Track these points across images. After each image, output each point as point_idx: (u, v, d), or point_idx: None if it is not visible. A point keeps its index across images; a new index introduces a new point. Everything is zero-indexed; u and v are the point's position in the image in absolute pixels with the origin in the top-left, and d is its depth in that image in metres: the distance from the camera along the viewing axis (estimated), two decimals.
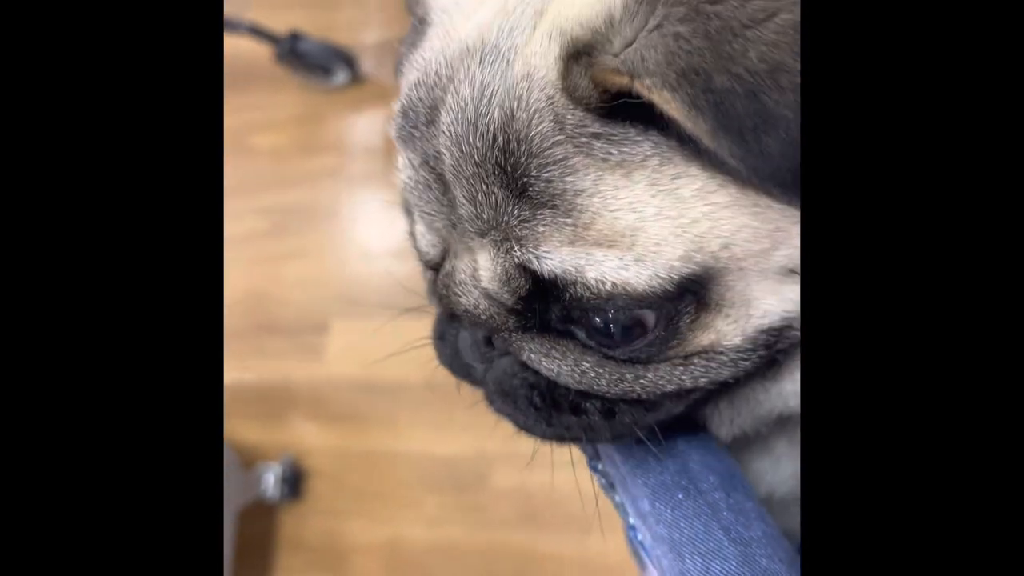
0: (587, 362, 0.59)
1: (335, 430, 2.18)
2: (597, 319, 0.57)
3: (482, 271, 0.58)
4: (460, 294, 0.60)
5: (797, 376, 0.61)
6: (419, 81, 0.59)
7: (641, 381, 0.59)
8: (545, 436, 0.64)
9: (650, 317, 0.56)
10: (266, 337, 2.31)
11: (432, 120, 0.57)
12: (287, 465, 2.14)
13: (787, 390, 0.63)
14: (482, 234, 0.56)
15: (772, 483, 0.71)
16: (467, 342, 0.65)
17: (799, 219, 0.51)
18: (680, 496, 0.62)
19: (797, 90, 0.44)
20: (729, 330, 0.57)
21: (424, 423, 2.09)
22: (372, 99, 2.53)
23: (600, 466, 0.70)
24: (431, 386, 1.96)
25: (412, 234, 0.65)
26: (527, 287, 0.56)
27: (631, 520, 0.66)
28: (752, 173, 0.47)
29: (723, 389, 0.62)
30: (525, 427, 0.64)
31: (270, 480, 2.10)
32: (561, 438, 0.65)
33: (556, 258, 0.54)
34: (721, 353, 0.58)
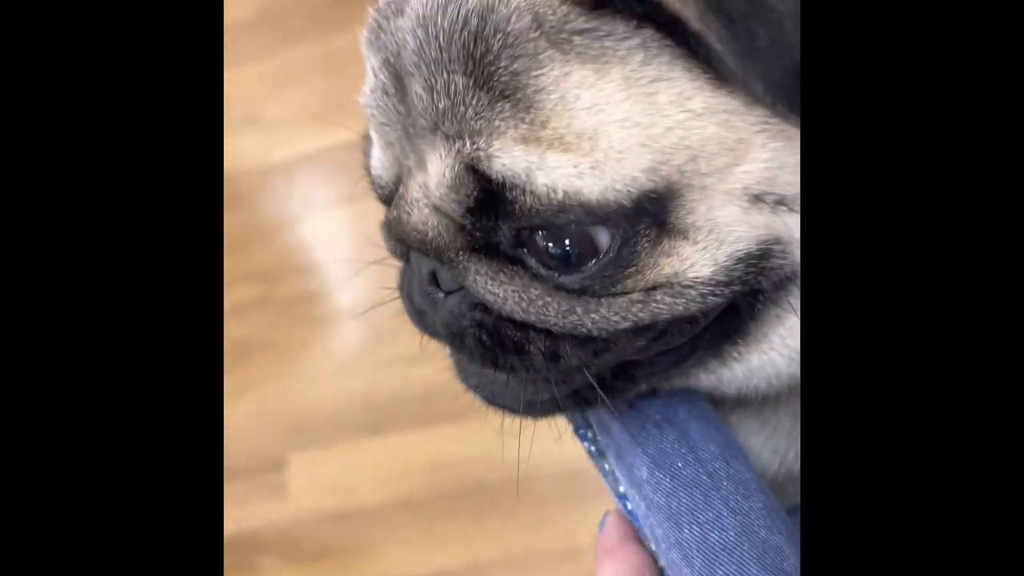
0: (535, 290, 0.57)
1: (312, 570, 2.06)
2: (546, 238, 0.55)
3: (431, 177, 0.57)
4: (409, 212, 0.59)
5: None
6: None
7: (592, 315, 0.57)
8: (507, 402, 0.63)
9: (603, 236, 0.54)
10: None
11: (400, 10, 0.57)
12: None
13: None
14: (433, 129, 0.55)
15: (768, 460, 0.72)
16: (416, 285, 0.63)
17: (763, 129, 0.52)
18: (679, 464, 0.62)
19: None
20: (698, 258, 0.55)
21: (405, 542, 2.01)
22: (292, 223, 2.49)
23: (589, 433, 0.70)
24: (407, 503, 1.88)
25: (368, 165, 0.64)
26: (476, 194, 0.55)
27: (621, 488, 0.67)
28: (737, 63, 0.47)
29: (728, 340, 0.61)
30: (487, 393, 0.64)
31: None
32: (530, 406, 0.63)
33: (506, 157, 0.53)
34: (689, 287, 0.55)
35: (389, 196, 0.63)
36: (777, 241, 0.55)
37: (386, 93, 0.58)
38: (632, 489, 0.65)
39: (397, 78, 0.57)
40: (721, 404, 0.70)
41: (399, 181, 0.61)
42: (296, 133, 2.28)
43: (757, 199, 0.54)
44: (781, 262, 0.56)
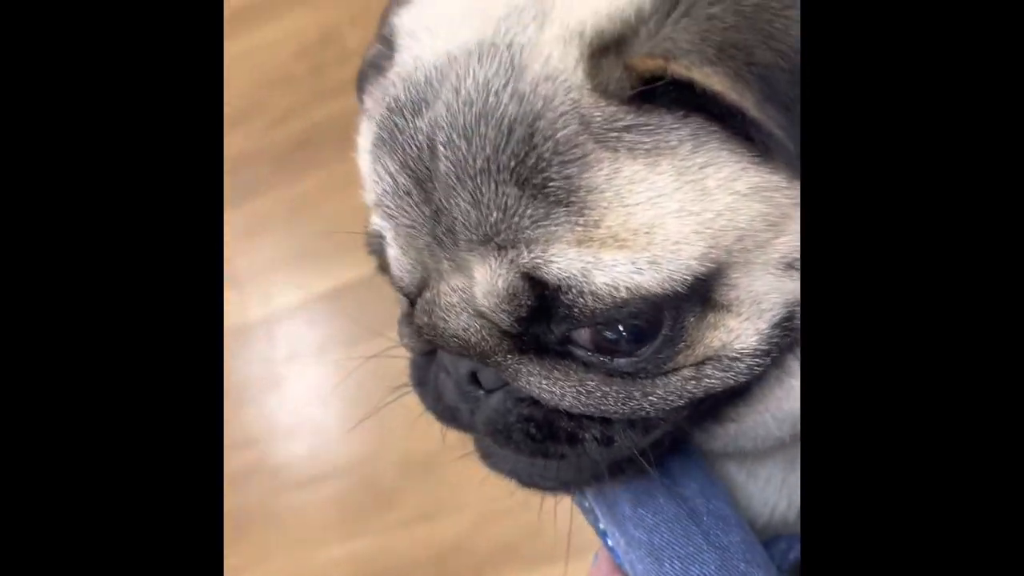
0: (592, 381, 0.58)
1: None
2: (603, 328, 0.56)
3: (478, 287, 0.57)
4: (446, 319, 0.59)
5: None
6: (405, 83, 0.59)
7: (650, 398, 0.58)
8: (546, 483, 0.64)
9: (657, 318, 0.55)
10: None
11: (418, 111, 0.57)
12: None
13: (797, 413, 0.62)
14: (484, 242, 0.55)
15: (759, 510, 0.72)
16: (449, 383, 0.63)
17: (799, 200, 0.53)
18: (661, 500, 0.64)
19: None
20: (743, 329, 0.57)
21: None
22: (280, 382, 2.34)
23: None
24: None
25: (386, 263, 0.63)
26: (530, 303, 0.55)
27: (601, 525, 0.68)
28: (795, 145, 0.48)
29: (729, 402, 0.62)
30: (523, 476, 0.65)
31: None
32: (566, 484, 0.65)
33: (563, 261, 0.53)
34: (737, 358, 0.57)
35: (412, 296, 0.62)
36: (797, 303, 0.57)
37: (408, 195, 0.57)
38: (613, 526, 0.66)
39: (420, 185, 0.57)
40: (708, 454, 0.71)
41: (424, 283, 0.61)
42: (271, 287, 2.23)
43: (790, 266, 0.55)
44: (797, 323, 0.58)
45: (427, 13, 0.62)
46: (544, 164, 0.53)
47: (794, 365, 0.60)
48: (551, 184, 0.53)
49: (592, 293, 0.53)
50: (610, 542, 0.67)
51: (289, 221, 2.16)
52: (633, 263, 0.53)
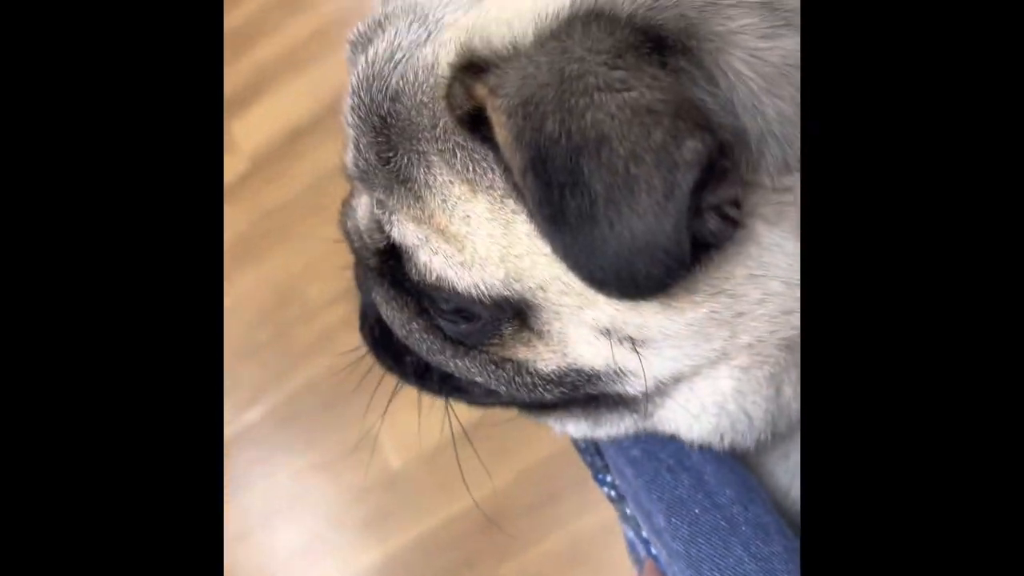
0: (417, 324, 0.64)
1: None
2: (435, 294, 0.61)
3: (360, 211, 0.64)
4: (349, 217, 0.66)
5: None
6: (366, 20, 0.64)
7: (456, 361, 0.64)
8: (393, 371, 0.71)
9: (479, 311, 0.60)
10: None
11: (361, 50, 0.62)
12: None
13: None
14: (361, 179, 0.62)
15: (787, 489, 0.72)
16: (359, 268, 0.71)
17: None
18: (697, 511, 0.63)
19: (612, 172, 0.46)
20: (547, 357, 0.61)
21: None
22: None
23: (609, 478, 0.71)
24: None
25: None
26: (383, 245, 0.62)
27: (644, 535, 0.68)
28: (545, 223, 0.49)
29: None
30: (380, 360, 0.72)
31: None
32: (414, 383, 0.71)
33: (402, 229, 0.59)
34: (530, 373, 0.62)
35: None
36: (621, 372, 0.60)
37: (354, 109, 0.61)
38: (653, 535, 0.65)
39: (352, 106, 0.61)
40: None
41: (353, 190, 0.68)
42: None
43: (606, 333, 0.58)
44: (628, 389, 0.62)
45: None
46: (394, 144, 0.57)
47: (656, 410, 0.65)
48: (396, 163, 0.57)
49: (417, 266, 0.59)
50: (653, 551, 0.66)
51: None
52: (448, 258, 0.57)
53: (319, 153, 1.91)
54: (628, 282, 0.49)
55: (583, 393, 0.63)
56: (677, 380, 0.61)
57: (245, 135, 2.01)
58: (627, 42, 0.49)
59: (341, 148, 0.66)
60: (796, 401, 0.62)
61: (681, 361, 0.59)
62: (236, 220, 1.97)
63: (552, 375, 0.61)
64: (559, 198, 0.47)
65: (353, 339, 0.75)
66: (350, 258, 0.72)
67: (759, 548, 0.60)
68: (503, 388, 0.64)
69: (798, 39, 0.51)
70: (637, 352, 0.58)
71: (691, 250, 0.48)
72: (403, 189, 0.57)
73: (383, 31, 0.61)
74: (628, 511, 0.70)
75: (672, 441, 0.67)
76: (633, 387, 0.61)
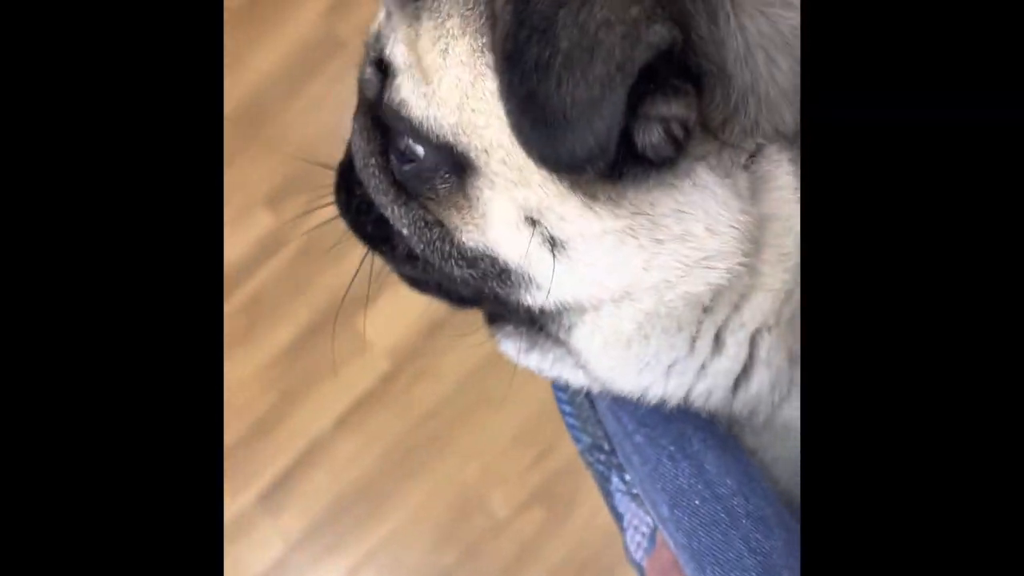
0: (376, 160, 0.66)
1: None
2: (396, 130, 0.63)
3: (375, 22, 0.66)
4: (365, 46, 0.68)
5: None
6: None
7: (395, 207, 0.65)
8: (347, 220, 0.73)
9: (421, 152, 0.61)
10: None
11: None
12: None
13: None
14: None
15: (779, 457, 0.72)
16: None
17: (540, 170, 0.56)
18: (697, 502, 0.63)
19: (583, 31, 0.47)
20: (469, 227, 0.62)
21: None
22: None
23: (623, 479, 0.71)
24: None
25: None
26: (377, 55, 0.63)
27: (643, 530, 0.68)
28: (503, 59, 0.51)
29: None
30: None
31: None
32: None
33: (393, 49, 0.61)
34: (451, 242, 0.63)
35: None
36: (529, 278, 0.61)
37: None
38: (660, 524, 0.65)
39: None
40: (738, 428, 0.70)
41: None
42: None
43: (529, 222, 0.59)
44: (530, 300, 0.62)
45: None
46: None
47: (572, 333, 0.65)
48: None
49: (392, 90, 0.61)
50: (665, 535, 0.66)
51: None
52: (416, 86, 0.59)
53: (463, 350, 1.71)
54: (551, 149, 0.50)
55: (490, 290, 0.64)
56: (581, 309, 0.62)
57: (377, 334, 1.81)
58: None
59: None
60: (717, 364, 0.64)
61: (589, 284, 0.60)
62: (390, 426, 1.76)
63: (468, 251, 0.62)
64: (525, 40, 0.49)
65: None
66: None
67: (759, 543, 0.60)
68: (422, 247, 0.65)
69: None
70: (553, 255, 0.59)
71: (627, 160, 0.52)
72: (411, 6, 0.59)
73: None
74: (621, 509, 0.70)
75: (672, 424, 0.67)
76: (535, 299, 0.62)
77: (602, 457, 0.73)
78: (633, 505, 0.70)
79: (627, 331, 0.62)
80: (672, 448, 0.65)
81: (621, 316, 0.62)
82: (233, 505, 1.76)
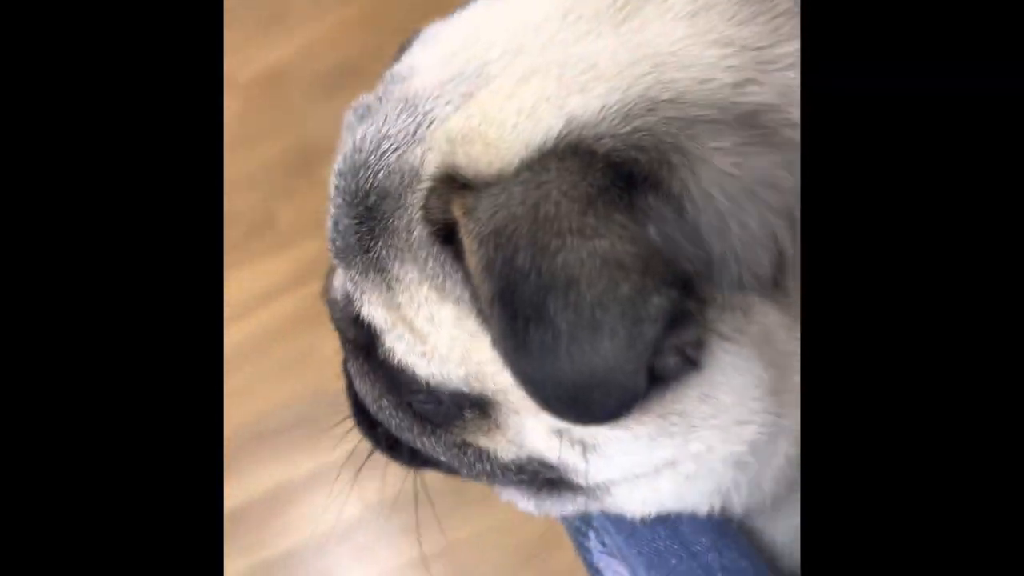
0: (387, 400, 0.67)
1: None
2: (400, 376, 0.63)
3: (336, 282, 0.68)
4: (330, 287, 0.70)
5: None
6: (370, 95, 0.65)
7: (423, 439, 0.66)
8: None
9: (436, 397, 0.62)
10: None
11: (354, 128, 0.63)
12: None
13: None
14: (338, 255, 0.63)
15: (780, 548, 0.74)
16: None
17: None
18: (674, 562, 0.65)
19: (578, 313, 0.48)
20: (506, 448, 0.63)
21: None
22: None
23: (594, 541, 0.74)
24: None
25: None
26: (356, 315, 0.63)
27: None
28: (508, 352, 0.51)
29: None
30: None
31: None
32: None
33: (371, 310, 0.61)
34: (490, 460, 0.65)
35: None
36: (573, 471, 0.62)
37: (339, 189, 0.62)
38: None
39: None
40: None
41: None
42: None
43: (559, 433, 0.60)
44: (578, 481, 0.63)
45: (426, 51, 0.64)
46: (376, 235, 0.59)
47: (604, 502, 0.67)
48: (375, 252, 0.59)
49: (382, 346, 0.61)
50: None
51: None
52: (412, 347, 0.59)
53: None
54: (583, 411, 0.51)
55: (541, 478, 0.66)
56: (623, 480, 0.64)
57: None
58: (599, 186, 0.49)
59: None
60: (749, 509, 0.66)
61: (628, 468, 0.61)
62: None
63: (511, 464, 0.64)
64: (523, 329, 0.49)
65: None
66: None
67: None
68: (464, 471, 0.67)
69: (775, 156, 0.52)
70: (586, 458, 0.60)
71: (647, 383, 0.51)
72: (377, 276, 0.59)
73: (376, 112, 0.61)
74: (600, 565, 0.72)
75: None
76: (583, 479, 0.64)
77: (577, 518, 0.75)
78: (614, 562, 0.72)
79: (666, 491, 0.64)
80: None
81: (660, 479, 0.63)
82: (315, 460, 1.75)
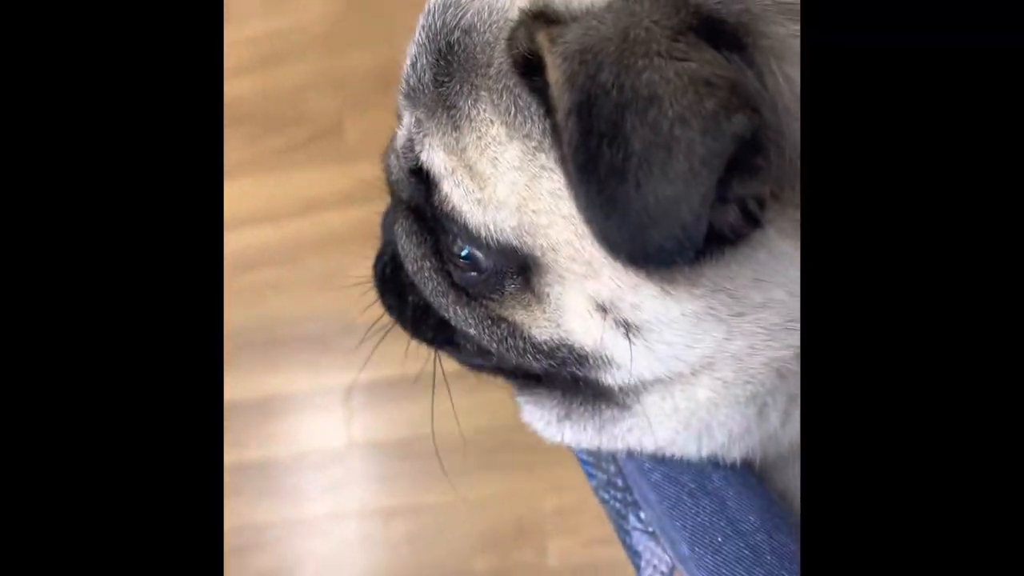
0: (430, 262, 0.65)
1: None
2: (449, 233, 0.62)
3: (400, 131, 0.65)
4: (390, 152, 0.68)
5: None
6: None
7: (457, 308, 0.65)
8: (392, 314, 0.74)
9: (483, 259, 0.61)
10: None
11: None
12: None
13: None
14: (408, 96, 0.62)
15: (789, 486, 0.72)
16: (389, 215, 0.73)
17: (609, 263, 0.55)
18: (719, 539, 0.62)
19: (655, 131, 0.47)
20: (542, 324, 0.61)
21: None
22: None
23: (639, 516, 0.71)
24: None
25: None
26: (413, 163, 0.62)
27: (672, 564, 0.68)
28: (575, 170, 0.49)
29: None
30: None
31: None
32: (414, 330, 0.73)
33: (431, 154, 0.60)
34: (523, 338, 0.62)
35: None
36: (608, 359, 0.60)
37: (424, 28, 0.62)
38: (679, 563, 0.64)
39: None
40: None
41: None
42: None
43: (601, 309, 0.58)
44: (609, 379, 0.62)
45: None
46: (453, 71, 0.58)
47: (645, 406, 0.65)
48: (448, 88, 0.58)
49: (438, 192, 0.60)
50: (684, 574, 0.66)
51: None
52: (469, 193, 0.58)
53: None
54: (639, 248, 0.49)
55: (568, 371, 0.64)
56: (657, 381, 0.62)
57: None
58: (688, 23, 0.49)
59: None
60: (785, 428, 0.63)
61: (668, 361, 0.59)
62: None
63: (544, 344, 0.62)
64: (596, 147, 0.48)
65: None
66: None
67: None
68: (494, 346, 0.64)
69: None
70: (629, 339, 0.58)
71: (706, 241, 0.50)
72: (445, 115, 0.59)
73: None
74: (639, 548, 0.69)
75: (691, 461, 0.66)
76: (615, 378, 0.62)
77: (618, 495, 0.72)
78: (652, 543, 0.68)
79: (701, 399, 0.62)
80: (692, 485, 0.64)
81: (697, 385, 0.61)
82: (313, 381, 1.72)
